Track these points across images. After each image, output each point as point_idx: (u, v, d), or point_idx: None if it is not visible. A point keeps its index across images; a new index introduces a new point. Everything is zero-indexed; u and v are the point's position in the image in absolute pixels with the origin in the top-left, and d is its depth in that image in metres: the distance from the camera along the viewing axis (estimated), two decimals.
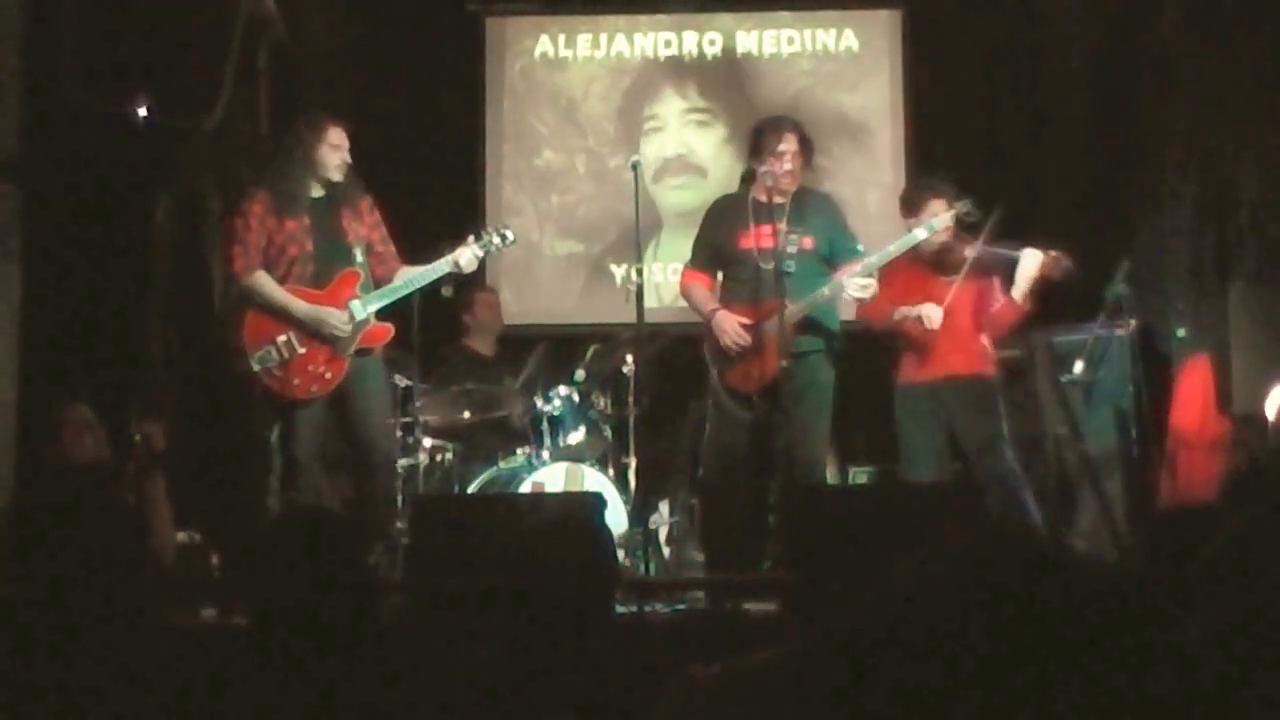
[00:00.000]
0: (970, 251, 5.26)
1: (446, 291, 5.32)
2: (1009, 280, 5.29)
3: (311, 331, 4.98)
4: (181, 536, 5.57)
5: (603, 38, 7.83)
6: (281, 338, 4.97)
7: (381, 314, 5.15)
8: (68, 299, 5.71)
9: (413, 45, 7.56)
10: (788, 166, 5.18)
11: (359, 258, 5.08)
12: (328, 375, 5.00)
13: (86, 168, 5.74)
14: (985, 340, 5.41)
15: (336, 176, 5.05)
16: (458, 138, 7.70)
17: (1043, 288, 5.30)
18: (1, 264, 5.38)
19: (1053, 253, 5.23)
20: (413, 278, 5.14)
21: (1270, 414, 5.51)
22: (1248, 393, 5.78)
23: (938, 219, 5.21)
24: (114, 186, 5.85)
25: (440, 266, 5.13)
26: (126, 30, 5.84)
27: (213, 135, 6.21)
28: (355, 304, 5.04)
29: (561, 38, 7.81)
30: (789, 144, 5.21)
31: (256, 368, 4.98)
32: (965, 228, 5.31)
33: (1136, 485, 6.08)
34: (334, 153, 5.03)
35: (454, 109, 7.69)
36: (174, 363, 6.19)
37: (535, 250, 7.70)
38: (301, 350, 4.98)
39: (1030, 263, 5.21)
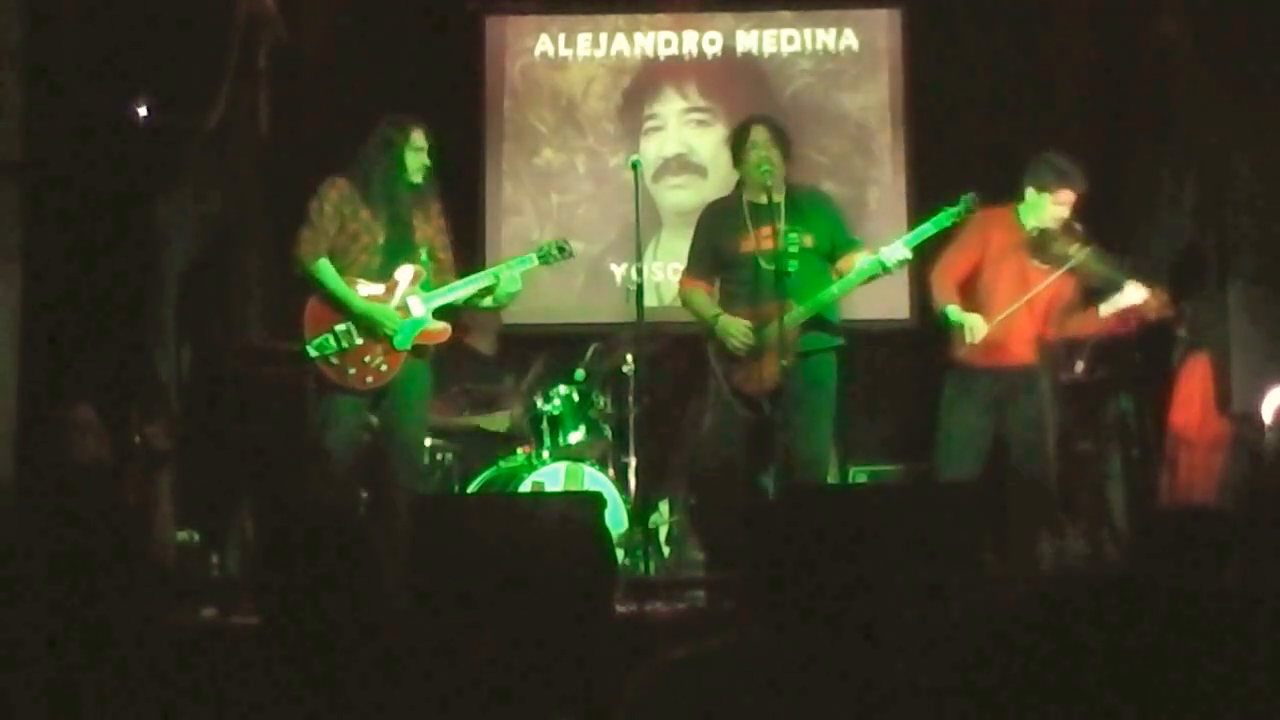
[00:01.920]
0: (1076, 251, 5.22)
1: None
2: (1095, 293, 5.27)
3: (368, 326, 5.03)
4: (182, 536, 5.58)
5: (603, 37, 7.82)
6: (340, 326, 5.03)
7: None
8: (68, 299, 5.71)
9: (413, 45, 7.56)
10: (763, 154, 5.19)
11: (423, 256, 5.14)
12: (383, 368, 5.05)
13: (86, 168, 5.74)
14: (1049, 333, 5.38)
15: (418, 179, 5.15)
16: (458, 138, 7.69)
17: (1134, 318, 5.29)
18: (1, 264, 5.38)
19: (1157, 290, 5.21)
20: (471, 279, 5.20)
21: (1266, 417, 5.51)
22: (1247, 393, 5.78)
23: (936, 220, 5.19)
24: (114, 186, 5.85)
25: (486, 276, 5.20)
26: (126, 30, 5.84)
27: (213, 135, 6.21)
28: (414, 300, 5.09)
29: (562, 37, 7.81)
30: (759, 135, 5.24)
31: (314, 354, 5.02)
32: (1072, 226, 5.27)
33: (1136, 485, 6.08)
34: (417, 155, 5.13)
35: (454, 109, 7.68)
36: (175, 363, 6.19)
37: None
38: (359, 340, 5.03)
39: (1135, 295, 5.19)
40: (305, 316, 5.06)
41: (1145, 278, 5.27)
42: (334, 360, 5.02)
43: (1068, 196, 5.29)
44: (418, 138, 5.12)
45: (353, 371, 5.02)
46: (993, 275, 5.33)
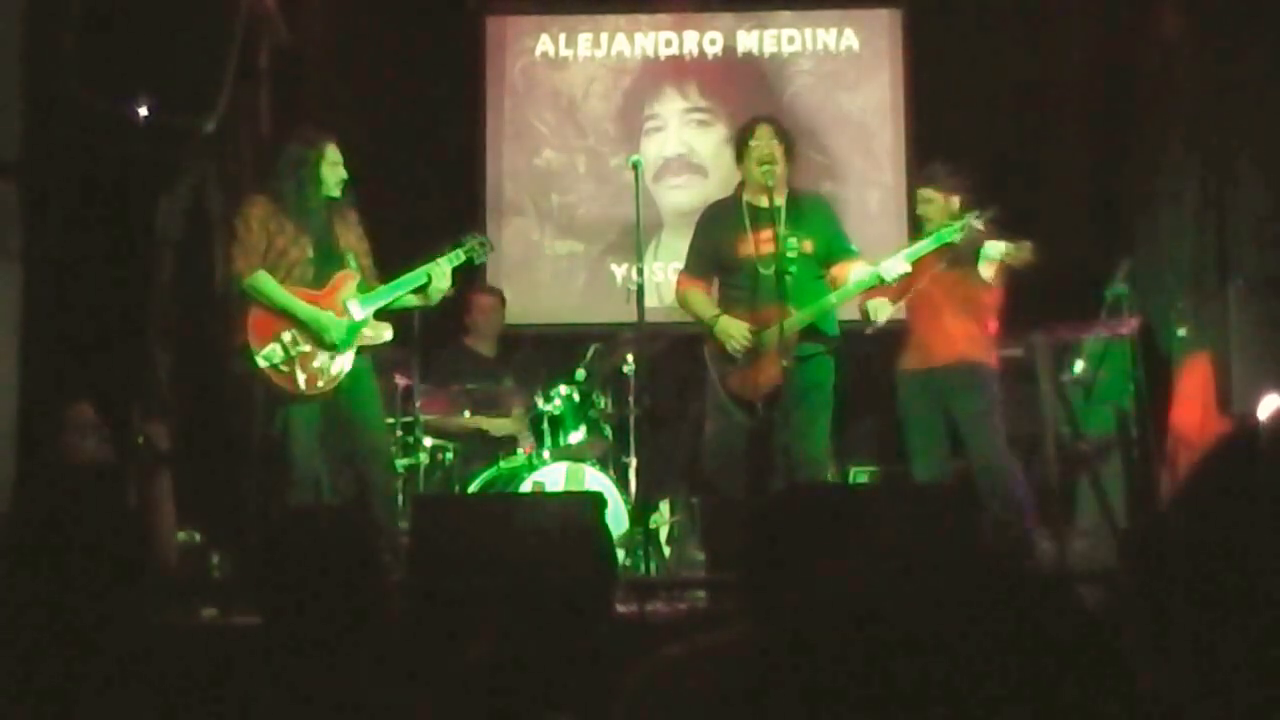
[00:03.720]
0: (949, 234, 5.31)
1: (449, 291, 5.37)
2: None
3: (313, 333, 5.05)
4: (182, 536, 5.58)
5: (603, 37, 7.83)
6: (286, 334, 5.07)
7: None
8: (68, 299, 5.70)
9: (413, 45, 7.56)
10: (765, 153, 5.19)
11: (352, 263, 5.18)
12: (333, 371, 5.09)
13: (87, 168, 5.74)
14: (975, 328, 5.43)
15: (337, 193, 5.21)
16: (458, 138, 7.69)
17: (1012, 273, 5.38)
18: (2, 264, 5.38)
19: (1019, 241, 5.27)
20: (405, 279, 5.23)
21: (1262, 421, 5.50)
22: (1247, 393, 5.78)
23: (975, 219, 5.23)
24: (114, 186, 5.84)
25: (419, 275, 5.21)
26: (126, 30, 5.84)
27: (213, 135, 6.21)
28: (353, 304, 5.13)
29: (562, 37, 7.82)
30: (762, 137, 5.24)
31: (263, 364, 5.05)
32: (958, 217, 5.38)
33: (1136, 485, 6.08)
34: (333, 169, 5.18)
35: (454, 109, 7.68)
36: (176, 362, 6.19)
37: (536, 250, 7.71)
38: (306, 347, 5.06)
39: (993, 251, 5.28)
40: (249, 327, 5.09)
41: (1005, 232, 5.32)
42: (284, 368, 5.06)
43: (939, 197, 5.48)
44: (332, 153, 5.18)
45: (303, 377, 5.07)
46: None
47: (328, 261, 5.17)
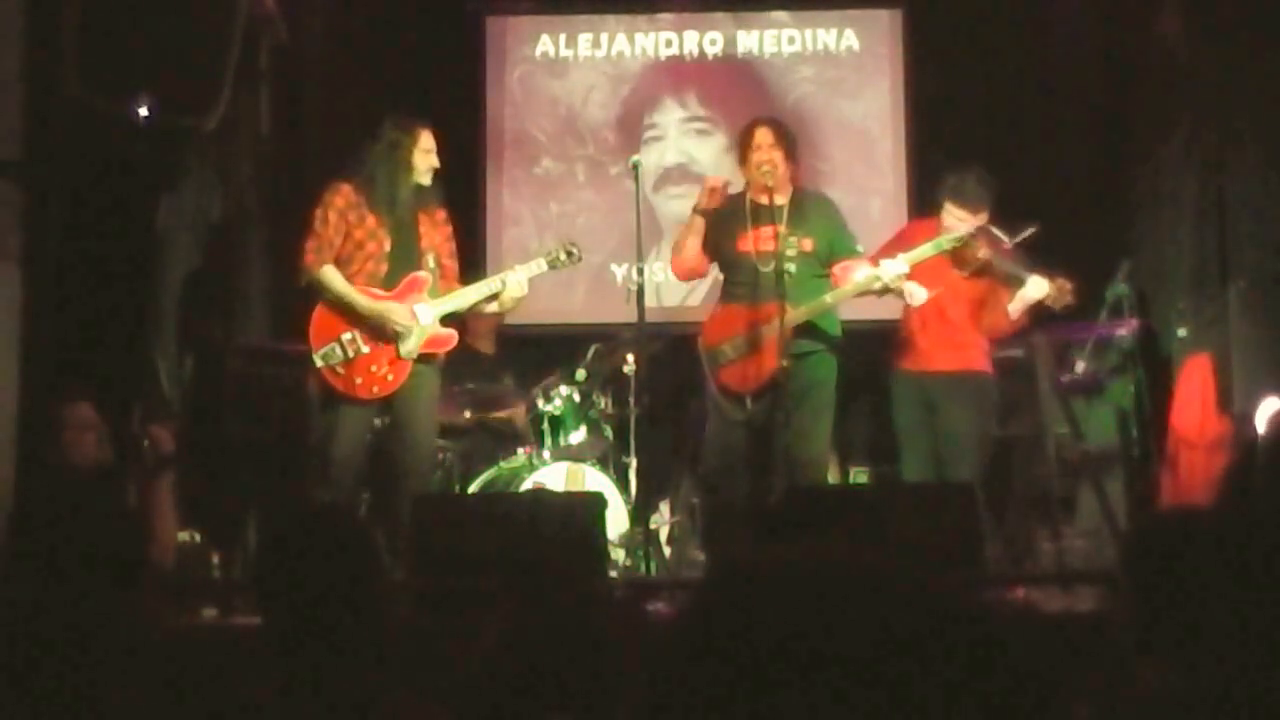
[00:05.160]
0: (985, 254, 5.29)
1: None
2: (1012, 291, 5.34)
3: (375, 328, 4.99)
4: (182, 536, 5.58)
5: (603, 37, 7.82)
6: (347, 335, 5.00)
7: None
8: (69, 299, 5.70)
9: (413, 46, 7.55)
10: (766, 155, 5.20)
11: (430, 263, 5.10)
12: (390, 377, 5.02)
13: (87, 168, 5.74)
14: (980, 338, 5.45)
15: (427, 180, 5.11)
16: (457, 140, 7.67)
17: (1041, 310, 5.38)
18: (2, 264, 5.38)
19: (1060, 282, 5.25)
20: (478, 286, 5.17)
21: (1260, 425, 5.50)
22: (1247, 393, 5.78)
23: (963, 229, 5.24)
24: (115, 187, 5.85)
25: (492, 283, 5.17)
26: (126, 30, 5.84)
27: (213, 135, 6.21)
28: (421, 307, 5.05)
29: (562, 37, 7.80)
30: (763, 136, 5.26)
31: (320, 364, 4.99)
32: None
33: (1137, 485, 6.09)
34: (425, 156, 5.08)
35: (453, 112, 7.67)
36: (176, 363, 6.19)
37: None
38: (366, 349, 5.00)
39: (1035, 291, 5.26)
40: (312, 325, 5.03)
41: (1052, 268, 5.31)
42: (340, 370, 4.99)
43: (967, 215, 5.38)
44: (426, 138, 5.08)
45: (359, 381, 5.00)
46: (916, 279, 5.39)
47: (404, 260, 5.06)
